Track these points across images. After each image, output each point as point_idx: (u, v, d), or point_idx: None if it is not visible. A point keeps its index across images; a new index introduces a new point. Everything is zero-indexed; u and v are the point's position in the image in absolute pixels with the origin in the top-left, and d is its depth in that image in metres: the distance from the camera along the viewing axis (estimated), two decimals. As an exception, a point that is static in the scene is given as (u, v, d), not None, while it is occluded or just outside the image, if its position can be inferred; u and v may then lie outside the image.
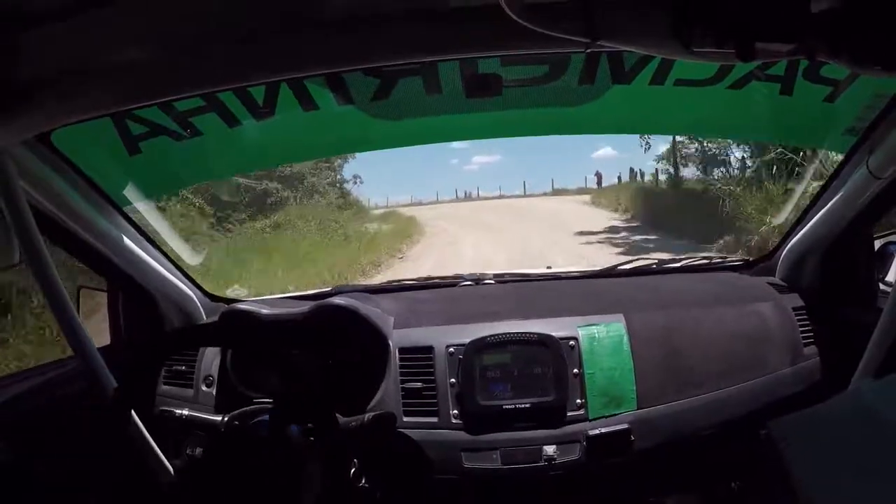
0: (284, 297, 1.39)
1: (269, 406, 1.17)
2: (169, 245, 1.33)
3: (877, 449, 0.83)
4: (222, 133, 1.16)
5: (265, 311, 1.17)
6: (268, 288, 5.58)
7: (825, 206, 1.16)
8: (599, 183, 16.98)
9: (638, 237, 8.93)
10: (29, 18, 0.67)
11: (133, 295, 1.24)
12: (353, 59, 0.85)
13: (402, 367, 1.16)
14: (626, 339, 1.15)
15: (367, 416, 1.13)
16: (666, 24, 0.66)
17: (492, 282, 1.45)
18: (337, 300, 1.17)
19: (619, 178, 15.27)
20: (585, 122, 1.30)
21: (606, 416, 1.13)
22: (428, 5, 0.72)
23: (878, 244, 1.21)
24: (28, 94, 0.78)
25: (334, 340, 1.18)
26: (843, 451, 0.83)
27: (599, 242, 8.57)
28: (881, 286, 1.18)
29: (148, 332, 1.26)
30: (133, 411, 1.10)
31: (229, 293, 1.50)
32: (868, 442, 0.84)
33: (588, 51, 0.75)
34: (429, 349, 1.16)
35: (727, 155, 9.03)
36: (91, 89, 0.81)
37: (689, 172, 10.57)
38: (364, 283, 1.50)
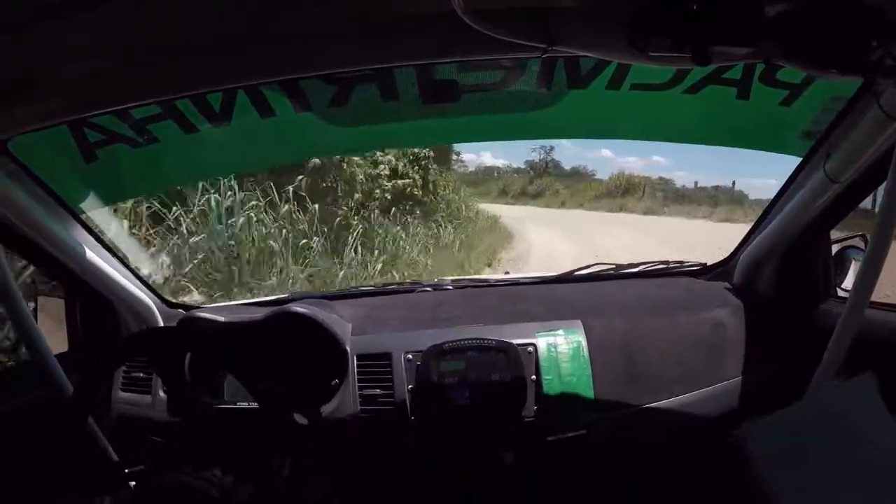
0: (242, 304, 1.40)
1: (227, 412, 1.18)
2: (126, 253, 1.33)
3: (840, 451, 0.83)
4: (179, 140, 1.16)
5: (222, 317, 1.17)
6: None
7: (782, 210, 1.15)
8: None
9: None
10: None
11: (91, 302, 1.24)
12: (309, 67, 0.86)
13: (359, 373, 1.16)
14: (584, 345, 1.15)
15: (324, 422, 1.14)
16: (622, 29, 0.66)
17: (450, 288, 1.44)
18: (294, 307, 1.17)
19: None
20: (542, 128, 1.30)
21: (564, 422, 1.12)
22: (383, 12, 0.72)
23: (835, 249, 1.20)
24: None
25: (291, 347, 1.18)
26: (808, 455, 0.84)
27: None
28: (838, 291, 1.18)
29: (106, 339, 1.27)
30: (90, 417, 1.10)
31: (187, 300, 1.50)
32: (832, 445, 0.84)
33: (544, 56, 0.76)
34: (387, 356, 1.16)
35: None
36: (47, 97, 0.82)
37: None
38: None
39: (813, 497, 0.82)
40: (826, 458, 0.83)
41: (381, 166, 5.80)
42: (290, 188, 4.72)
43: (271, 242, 4.34)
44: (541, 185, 19.74)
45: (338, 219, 5.00)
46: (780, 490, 0.83)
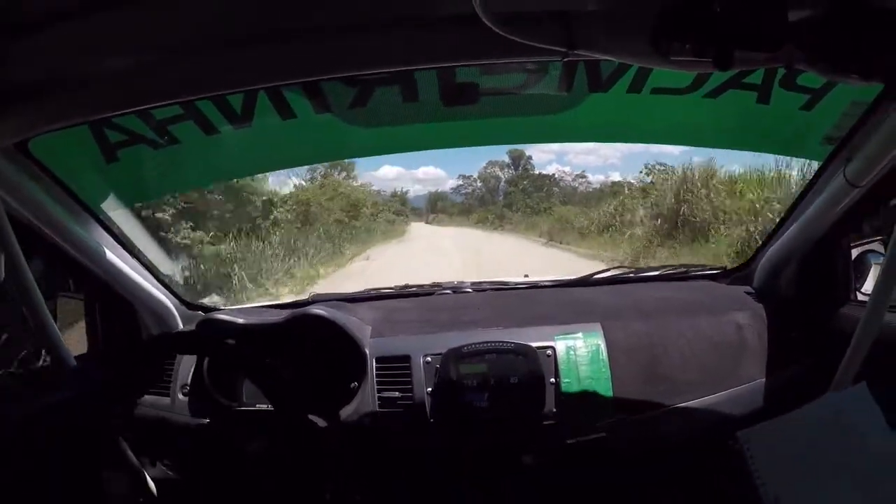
0: (261, 307, 1.39)
1: (246, 414, 1.18)
2: (146, 253, 1.33)
3: (842, 455, 0.84)
4: (200, 141, 1.17)
5: (242, 319, 1.17)
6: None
7: (802, 214, 1.16)
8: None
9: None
10: (6, 28, 0.67)
11: (110, 303, 1.24)
12: (330, 68, 0.86)
13: (378, 376, 1.16)
14: (603, 347, 1.15)
15: (343, 424, 1.14)
16: (643, 33, 0.66)
17: (469, 290, 1.44)
18: (313, 309, 1.17)
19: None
20: (563, 131, 1.30)
21: (583, 425, 1.12)
22: (405, 14, 0.72)
23: (855, 253, 1.20)
24: (5, 103, 0.78)
25: (311, 349, 1.19)
26: (809, 460, 0.84)
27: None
28: (858, 295, 1.18)
29: (125, 341, 1.26)
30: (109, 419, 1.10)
31: (206, 301, 1.50)
32: (834, 449, 0.85)
33: (565, 59, 0.76)
34: (405, 358, 1.16)
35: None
36: (69, 97, 0.82)
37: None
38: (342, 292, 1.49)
39: (811, 497, 0.83)
40: (824, 464, 0.84)
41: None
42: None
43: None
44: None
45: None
46: (778, 494, 0.84)
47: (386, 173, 32.94)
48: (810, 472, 0.84)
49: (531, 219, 16.59)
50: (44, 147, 1.02)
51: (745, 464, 0.88)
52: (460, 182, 24.20)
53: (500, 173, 22.94)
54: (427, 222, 22.24)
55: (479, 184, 23.77)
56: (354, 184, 15.56)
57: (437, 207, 24.09)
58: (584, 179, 20.15)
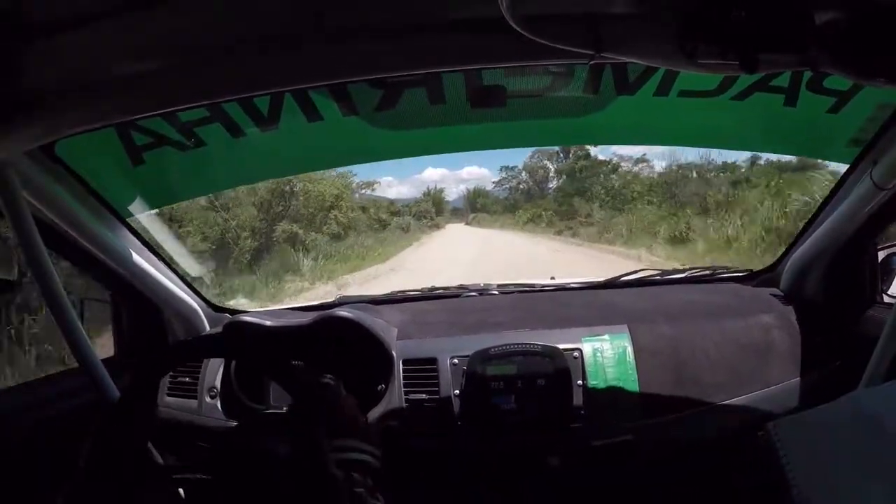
0: (288, 309, 1.39)
1: (273, 417, 1.18)
2: (172, 256, 1.33)
3: (873, 453, 0.83)
4: (226, 144, 1.17)
5: (269, 322, 1.17)
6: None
7: (829, 217, 1.16)
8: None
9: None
10: (32, 29, 0.67)
11: (137, 306, 1.24)
12: (357, 71, 0.85)
13: (405, 378, 1.16)
14: (630, 350, 1.15)
15: (371, 427, 1.14)
16: (670, 36, 0.66)
17: (496, 292, 1.44)
18: (340, 311, 1.17)
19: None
20: (590, 133, 1.30)
21: (610, 427, 1.12)
22: (432, 17, 0.72)
23: (881, 255, 1.20)
24: (32, 106, 0.78)
25: (338, 352, 1.19)
26: (839, 455, 0.84)
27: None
28: (884, 297, 1.18)
29: (152, 344, 1.26)
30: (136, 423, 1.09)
31: (233, 304, 1.49)
32: (865, 446, 0.84)
33: (592, 62, 0.75)
34: (432, 360, 1.16)
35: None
36: (95, 100, 0.81)
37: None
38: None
39: (840, 493, 0.82)
40: (856, 457, 0.84)
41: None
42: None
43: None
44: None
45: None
46: (807, 483, 0.83)
47: (430, 175, 32.65)
48: (842, 466, 0.84)
49: (638, 213, 9.01)
50: (70, 150, 1.02)
51: (775, 455, 0.87)
52: (503, 175, 19.73)
53: (548, 162, 18.67)
54: (467, 223, 19.96)
55: (524, 175, 19.51)
56: (329, 174, 11.84)
57: (477, 206, 21.14)
58: (645, 164, 15.71)
